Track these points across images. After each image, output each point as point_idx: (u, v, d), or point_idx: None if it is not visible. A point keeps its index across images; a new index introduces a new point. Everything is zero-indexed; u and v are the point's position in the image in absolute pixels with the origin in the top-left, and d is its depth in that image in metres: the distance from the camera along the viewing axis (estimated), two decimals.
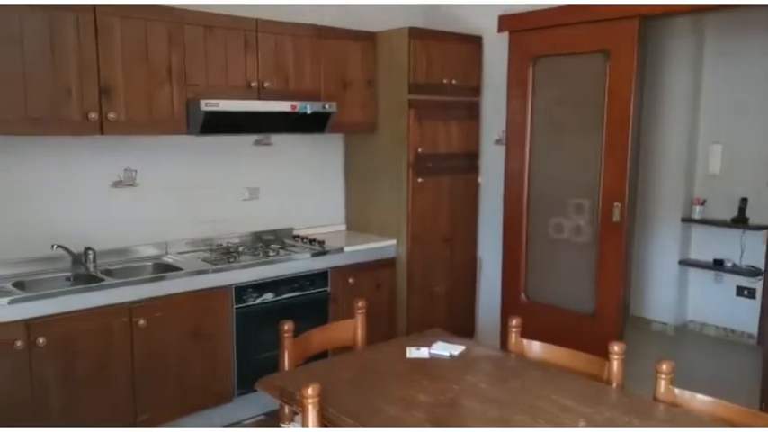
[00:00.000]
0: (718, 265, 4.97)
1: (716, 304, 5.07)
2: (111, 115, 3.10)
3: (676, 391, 2.00)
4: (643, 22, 3.65)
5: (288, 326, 2.39)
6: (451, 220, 4.33)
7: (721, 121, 4.92)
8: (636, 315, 5.30)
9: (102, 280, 3.13)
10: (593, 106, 3.84)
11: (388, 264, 4.11)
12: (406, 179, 4.04)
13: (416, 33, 4.00)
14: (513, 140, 4.25)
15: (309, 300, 3.74)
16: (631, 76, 3.66)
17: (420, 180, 4.08)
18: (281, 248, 3.81)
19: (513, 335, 2.44)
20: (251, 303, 3.51)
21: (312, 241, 3.98)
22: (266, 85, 3.62)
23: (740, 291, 4.96)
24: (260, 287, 3.54)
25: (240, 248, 3.79)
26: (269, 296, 3.58)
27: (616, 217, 3.74)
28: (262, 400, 3.58)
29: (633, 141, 3.73)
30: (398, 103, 4.03)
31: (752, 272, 4.80)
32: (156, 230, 3.68)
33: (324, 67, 3.88)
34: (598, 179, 3.82)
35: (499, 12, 4.20)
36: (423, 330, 2.76)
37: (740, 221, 4.82)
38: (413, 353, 2.37)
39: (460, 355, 2.36)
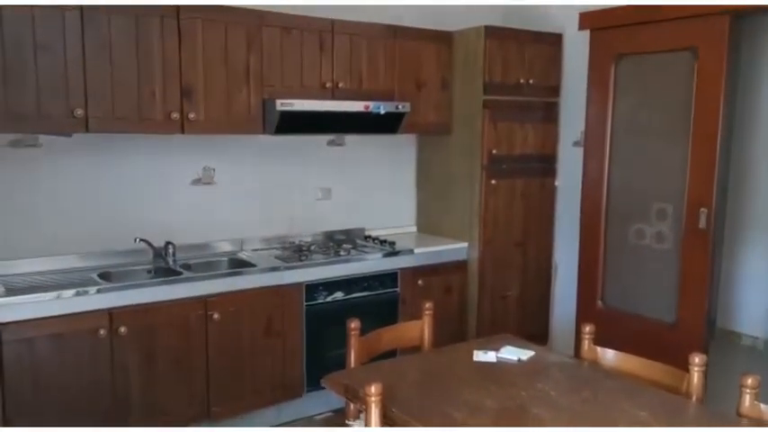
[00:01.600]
0: None
1: None
2: (192, 115, 3.21)
3: (762, 406, 1.87)
4: (735, 20, 3.44)
5: (355, 324, 2.40)
6: (525, 223, 4.23)
7: None
8: (724, 328, 5.01)
9: (181, 273, 3.25)
10: (679, 108, 3.64)
11: (459, 267, 4.07)
12: (479, 181, 3.99)
13: (493, 32, 3.94)
14: (592, 143, 4.10)
15: (378, 300, 3.75)
16: (721, 76, 3.45)
17: (493, 182, 4.01)
18: (353, 248, 3.84)
19: (587, 342, 2.35)
20: (321, 301, 3.56)
21: (383, 242, 3.99)
22: (340, 85, 3.66)
23: None
24: (330, 286, 3.58)
25: (312, 247, 3.84)
26: (339, 295, 3.61)
27: (702, 223, 3.54)
28: (330, 396, 3.59)
29: (722, 144, 3.51)
30: (473, 103, 3.98)
31: None
32: (233, 227, 3.78)
33: (398, 67, 3.88)
34: (683, 183, 3.62)
35: (580, 9, 4.07)
36: (492, 335, 2.71)
37: None
38: (480, 356, 2.32)
39: (529, 360, 2.29)
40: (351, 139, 4.16)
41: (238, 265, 3.54)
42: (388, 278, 3.79)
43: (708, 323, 3.68)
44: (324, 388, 3.55)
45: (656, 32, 3.72)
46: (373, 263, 3.74)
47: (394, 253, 3.82)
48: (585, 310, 4.12)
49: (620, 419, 1.82)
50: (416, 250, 3.89)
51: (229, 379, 3.27)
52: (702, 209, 3.54)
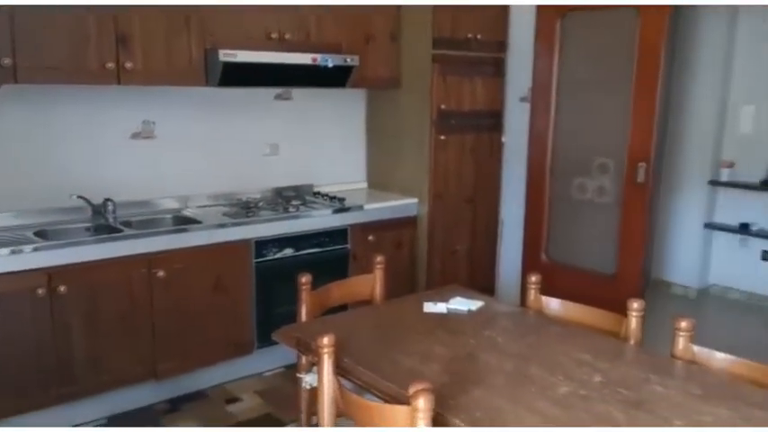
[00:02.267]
0: (744, 228, 4.87)
1: (740, 268, 4.98)
2: (129, 65, 3.07)
3: (695, 348, 1.97)
4: None
5: (306, 278, 2.39)
6: (474, 179, 4.28)
7: (755, 82, 4.75)
8: (657, 278, 5.24)
9: (122, 231, 3.15)
10: (621, 64, 3.72)
11: (409, 222, 4.09)
12: (428, 136, 3.99)
13: None
14: (538, 98, 4.16)
15: (329, 256, 3.74)
16: (662, 33, 3.54)
17: (443, 138, 4.02)
18: (302, 204, 3.81)
19: (532, 291, 2.41)
20: (271, 258, 3.53)
21: (332, 198, 3.97)
22: (287, 36, 3.56)
23: (766, 255, 4.86)
24: (280, 242, 3.55)
25: (260, 204, 3.78)
26: (289, 251, 3.59)
27: (641, 177, 3.66)
28: (282, 352, 3.60)
29: (661, 100, 3.62)
30: (422, 58, 3.95)
31: None
32: (176, 184, 3.68)
33: (346, 19, 3.80)
34: (624, 138, 3.73)
35: None
36: (439, 285, 2.75)
37: None
38: (430, 308, 2.35)
39: (479, 310, 2.34)
40: (299, 93, 4.08)
41: (183, 222, 3.46)
42: (339, 234, 3.78)
43: (644, 273, 3.85)
44: (275, 344, 3.56)
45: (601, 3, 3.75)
46: (323, 219, 3.72)
47: (344, 209, 3.81)
48: (531, 264, 4.24)
49: (564, 362, 1.89)
50: (366, 206, 3.89)
51: (177, 337, 3.23)
52: (641, 163, 3.66)
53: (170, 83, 3.30)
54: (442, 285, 3.43)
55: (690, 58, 4.87)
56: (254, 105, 3.92)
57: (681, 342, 1.98)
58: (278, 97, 4.02)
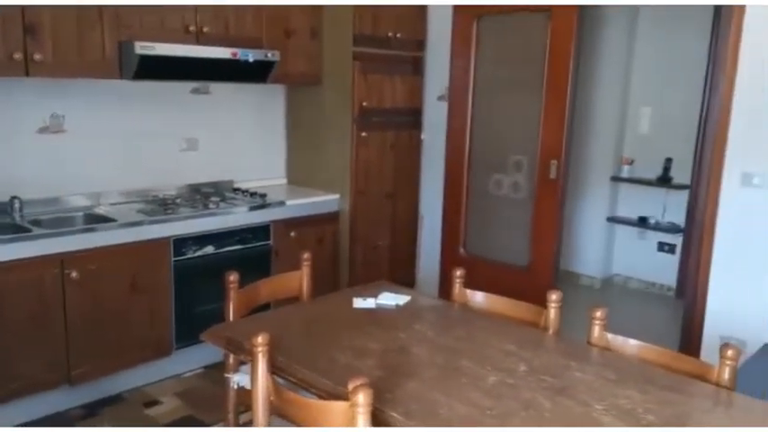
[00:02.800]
0: (642, 222, 5.22)
1: (639, 259, 5.34)
2: (37, 56, 2.91)
3: (609, 336, 2.11)
4: None
5: (233, 276, 2.36)
6: (395, 175, 4.35)
7: (651, 85, 5.10)
8: (565, 269, 5.52)
9: (30, 230, 2.99)
10: (534, 65, 3.89)
11: (331, 218, 4.11)
12: (350, 133, 4.02)
13: None
14: (455, 97, 4.27)
15: (251, 253, 3.70)
16: (571, 36, 3.73)
17: (364, 134, 4.06)
18: (221, 201, 3.74)
19: (457, 285, 2.50)
20: (191, 256, 3.45)
21: (253, 194, 3.92)
22: (205, 29, 3.48)
23: (661, 247, 5.24)
24: (200, 240, 3.47)
25: (177, 200, 3.69)
26: (209, 249, 3.52)
27: (553, 174, 3.85)
28: (201, 353, 3.56)
29: (571, 101, 3.82)
30: (343, 55, 3.96)
31: (673, 229, 5.07)
32: (88, 180, 3.52)
33: (266, 13, 3.75)
34: (537, 137, 3.90)
35: None
36: (365, 283, 2.78)
37: (664, 181, 5.06)
38: (359, 303, 2.39)
39: (406, 305, 2.40)
40: (217, 87, 3.99)
41: (96, 220, 3.31)
42: (261, 231, 3.74)
43: (555, 265, 4.05)
44: (194, 345, 3.51)
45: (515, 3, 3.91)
46: (244, 215, 3.67)
47: (265, 205, 3.77)
48: (449, 258, 4.37)
49: (491, 353, 1.98)
50: (288, 202, 3.87)
51: (92, 340, 3.10)
52: (553, 160, 3.85)
53: (82, 75, 3.15)
54: (364, 280, 3.48)
55: (594, 60, 5.15)
56: (170, 99, 3.81)
57: (596, 330, 2.12)
58: (195, 91, 3.92)
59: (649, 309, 4.92)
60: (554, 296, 2.26)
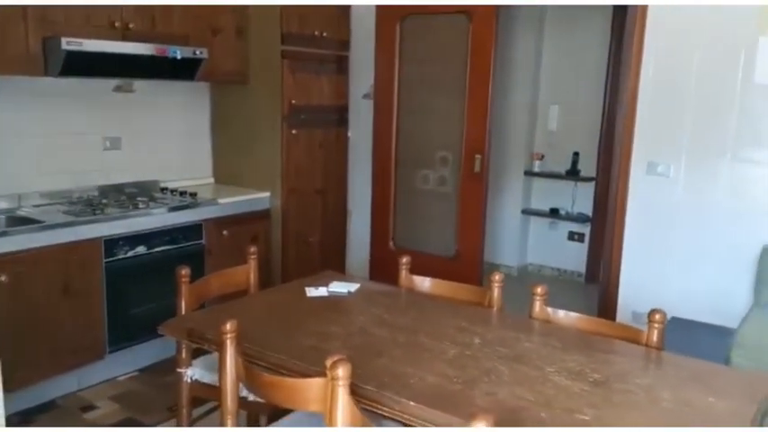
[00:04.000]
0: (553, 213, 5.57)
1: (551, 248, 5.69)
2: None
3: (549, 310, 2.30)
4: None
5: (185, 271, 2.38)
6: (324, 172, 4.42)
7: (558, 84, 5.46)
8: (485, 260, 5.77)
9: None
10: (457, 64, 4.09)
11: (263, 215, 4.12)
12: (280, 131, 4.05)
13: None
14: (381, 96, 4.41)
15: (184, 253, 3.65)
16: (491, 37, 3.95)
17: (294, 132, 4.10)
18: (150, 201, 3.67)
19: (404, 271, 2.62)
20: (122, 257, 3.37)
21: (183, 194, 3.87)
22: (131, 26, 3.42)
23: (571, 236, 5.61)
24: (132, 240, 3.40)
25: (104, 201, 3.59)
26: (141, 249, 3.45)
27: (477, 168, 4.07)
28: (135, 356, 3.50)
29: (492, 98, 4.05)
30: (272, 53, 3.99)
31: (582, 219, 5.45)
32: (6, 181, 3.36)
33: (193, 10, 3.73)
34: (461, 133, 4.10)
35: None
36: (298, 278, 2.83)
37: (573, 174, 5.43)
38: (312, 292, 2.46)
39: (357, 291, 2.49)
40: (141, 85, 3.91)
41: (19, 222, 3.17)
42: (193, 230, 3.71)
43: (482, 254, 4.27)
44: (128, 347, 3.45)
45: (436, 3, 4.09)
46: (176, 215, 3.62)
47: (197, 204, 3.74)
48: (379, 251, 4.50)
49: (447, 330, 2.11)
50: (220, 201, 3.86)
51: (22, 346, 2.97)
52: (477, 155, 4.06)
53: (3, 72, 3.01)
54: (297, 275, 3.54)
55: (507, 59, 5.44)
56: (91, 98, 3.69)
57: (537, 305, 2.30)
58: (118, 89, 3.82)
59: (563, 293, 5.24)
60: (497, 276, 2.43)
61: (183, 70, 3.66)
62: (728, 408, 1.66)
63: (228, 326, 1.83)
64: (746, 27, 3.17)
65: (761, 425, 1.69)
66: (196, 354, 2.43)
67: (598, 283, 5.03)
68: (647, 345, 2.06)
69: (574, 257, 5.57)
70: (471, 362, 1.88)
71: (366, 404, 1.66)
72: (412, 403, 1.62)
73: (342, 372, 1.57)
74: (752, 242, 3.27)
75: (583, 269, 5.54)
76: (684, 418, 1.61)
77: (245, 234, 4.00)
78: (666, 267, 3.56)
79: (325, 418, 1.61)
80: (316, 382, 1.64)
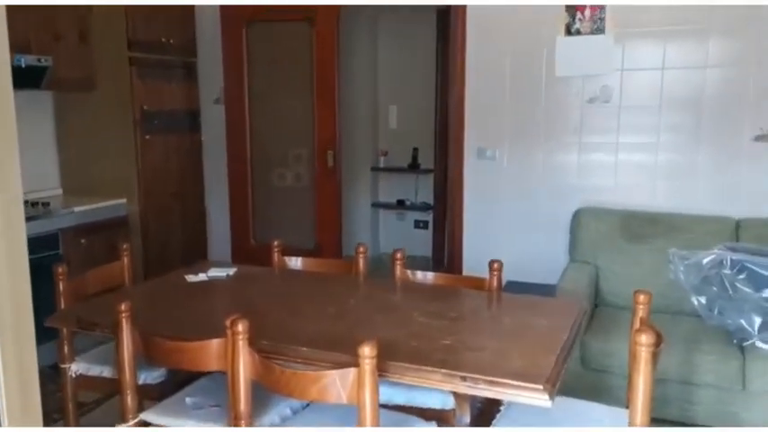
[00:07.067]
0: (400, 204, 6.05)
1: (400, 237, 6.16)
2: None
3: (408, 271, 2.66)
4: None
5: (62, 269, 2.44)
6: (180, 175, 4.48)
7: (396, 86, 5.95)
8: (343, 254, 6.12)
9: None
10: (304, 67, 4.38)
11: (122, 222, 4.11)
12: (133, 137, 4.07)
13: None
14: (231, 100, 4.57)
15: (40, 263, 3.50)
16: (334, 42, 4.29)
17: (148, 137, 4.14)
18: None
19: (276, 254, 2.86)
20: None
21: (35, 204, 3.77)
22: None
23: (417, 224, 6.12)
24: None
25: None
26: None
27: (330, 162, 4.38)
28: None
29: (339, 97, 4.38)
30: (119, 60, 4.01)
31: (425, 207, 5.98)
32: None
33: (32, 16, 3.65)
34: (313, 130, 4.40)
35: None
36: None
37: (414, 167, 5.94)
38: (192, 278, 2.61)
39: (235, 274, 2.68)
40: None
41: None
42: (48, 240, 3.63)
43: (341, 243, 4.59)
44: None
45: (279, 3, 4.35)
46: (29, 225, 3.50)
47: (50, 214, 3.67)
48: (240, 248, 4.65)
49: (326, 295, 2.38)
50: (76, 209, 3.80)
51: None
52: (329, 150, 4.38)
53: None
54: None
55: (349, 63, 5.83)
56: None
57: (398, 269, 2.65)
58: None
59: None
60: (361, 248, 2.75)
61: (27, 79, 3.58)
62: (554, 324, 2.10)
63: (123, 306, 1.96)
64: (547, 28, 3.77)
65: (577, 334, 2.15)
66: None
67: (443, 264, 5.58)
68: (489, 289, 2.48)
69: (421, 244, 6.07)
70: (350, 314, 2.17)
71: (264, 356, 1.88)
72: (304, 348, 1.87)
73: (241, 327, 1.78)
74: (565, 211, 3.88)
75: (430, 253, 6.06)
76: (522, 332, 2.03)
77: (104, 241, 3.96)
78: (500, 238, 4.09)
79: (228, 374, 1.81)
80: (216, 342, 1.84)
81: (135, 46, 4.04)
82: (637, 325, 1.97)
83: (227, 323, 1.80)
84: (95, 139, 4.17)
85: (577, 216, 3.68)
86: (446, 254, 4.57)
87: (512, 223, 4.06)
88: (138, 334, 1.98)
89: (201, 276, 2.63)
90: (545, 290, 3.72)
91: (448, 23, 4.19)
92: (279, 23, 4.44)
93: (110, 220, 4.04)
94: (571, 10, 3.68)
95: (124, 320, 1.96)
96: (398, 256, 2.66)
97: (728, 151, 3.50)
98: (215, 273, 2.67)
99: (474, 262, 4.17)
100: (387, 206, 6.10)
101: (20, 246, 1.33)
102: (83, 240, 3.82)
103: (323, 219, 4.48)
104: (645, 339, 1.65)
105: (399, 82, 5.92)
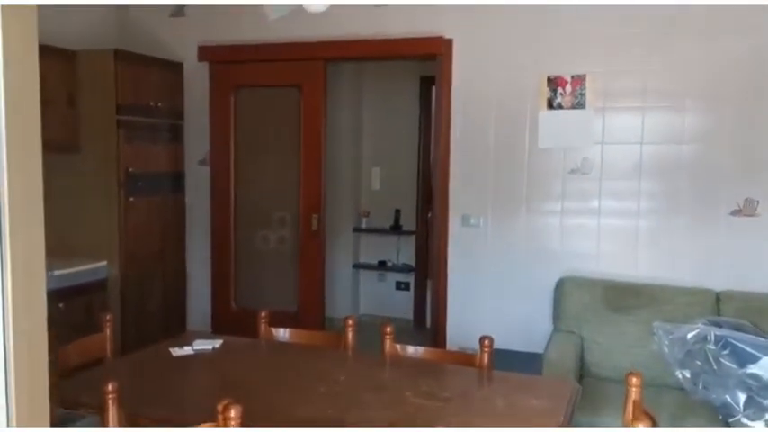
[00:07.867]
0: (381, 265, 6.04)
1: (381, 298, 6.14)
2: None
3: (398, 345, 2.65)
4: (326, 64, 4.38)
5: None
6: (162, 238, 4.44)
7: (379, 148, 6.03)
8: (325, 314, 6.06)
9: None
10: (290, 132, 4.43)
11: (100, 285, 4.03)
12: (116, 199, 4.04)
13: (122, 56, 4.06)
14: (217, 162, 4.58)
15: None
16: (320, 108, 4.36)
17: (132, 199, 4.12)
18: None
19: (263, 325, 2.82)
20: None
21: None
22: None
23: (398, 285, 6.11)
24: None
25: None
26: None
27: (314, 226, 4.38)
28: None
29: (325, 162, 4.43)
30: (106, 122, 4.01)
31: (406, 269, 5.98)
32: None
33: None
34: (298, 195, 4.41)
35: (198, 41, 4.52)
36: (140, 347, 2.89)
37: (396, 229, 5.97)
38: (177, 351, 2.56)
39: (222, 346, 2.64)
40: None
41: None
42: None
43: (323, 308, 4.55)
44: None
45: (268, 70, 4.44)
46: None
47: None
48: (221, 312, 4.58)
49: (314, 371, 2.35)
50: (56, 272, 3.73)
51: None
52: (314, 214, 4.39)
53: None
54: (137, 343, 3.54)
55: (335, 127, 5.90)
56: None
57: (387, 343, 2.63)
58: None
59: (398, 338, 5.67)
60: (350, 321, 2.73)
61: None
62: (546, 406, 2.10)
63: (110, 386, 1.91)
64: (530, 101, 3.89)
65: (572, 416, 2.14)
66: None
67: (425, 326, 5.56)
68: (479, 366, 2.47)
69: (402, 305, 6.05)
70: (341, 395, 2.14)
71: None
72: None
73: (233, 412, 1.74)
74: (548, 277, 3.91)
75: (411, 315, 6.03)
76: (515, 416, 2.01)
77: (83, 305, 3.88)
78: (484, 305, 4.10)
79: None
80: (208, 429, 1.79)
81: (123, 109, 4.06)
82: (630, 409, 1.97)
83: (219, 408, 1.76)
84: (78, 201, 4.12)
85: (561, 285, 3.72)
86: (430, 319, 4.56)
87: (495, 289, 4.08)
88: (126, 417, 1.92)
89: (187, 350, 2.58)
90: (530, 358, 3.72)
91: (431, 89, 4.30)
92: (267, 89, 4.51)
93: (89, 283, 3.96)
94: (552, 84, 3.81)
95: (110, 402, 1.91)
96: (388, 330, 2.65)
97: (707, 225, 3.60)
98: (200, 345, 2.62)
99: (458, 328, 4.17)
100: (368, 267, 6.09)
101: (38, 252, 1.28)
102: (60, 305, 3.73)
103: (305, 281, 4.45)
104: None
105: (382, 143, 6.01)
